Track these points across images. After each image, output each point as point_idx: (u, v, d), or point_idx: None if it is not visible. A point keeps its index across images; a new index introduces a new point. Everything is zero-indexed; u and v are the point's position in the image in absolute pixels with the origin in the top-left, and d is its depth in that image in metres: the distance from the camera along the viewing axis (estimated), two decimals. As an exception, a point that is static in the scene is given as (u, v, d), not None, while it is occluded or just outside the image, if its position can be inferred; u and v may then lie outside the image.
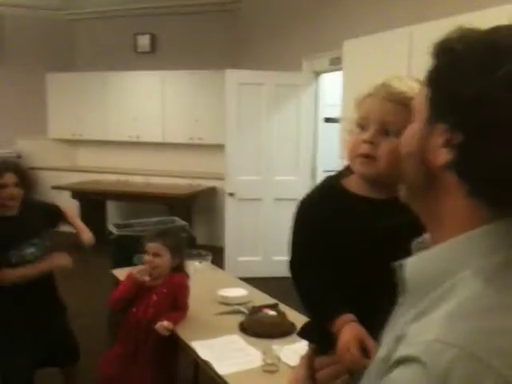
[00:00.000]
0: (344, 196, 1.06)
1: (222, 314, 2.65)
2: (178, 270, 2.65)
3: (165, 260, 2.56)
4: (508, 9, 3.03)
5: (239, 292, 2.82)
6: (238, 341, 2.36)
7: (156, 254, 2.54)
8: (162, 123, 7.27)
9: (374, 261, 0.99)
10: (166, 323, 2.42)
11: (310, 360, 1.09)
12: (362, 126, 1.05)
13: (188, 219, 6.55)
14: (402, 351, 0.66)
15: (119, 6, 7.51)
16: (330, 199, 1.05)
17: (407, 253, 0.97)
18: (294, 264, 1.07)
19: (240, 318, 2.55)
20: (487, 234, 0.74)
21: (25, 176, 2.72)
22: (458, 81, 0.73)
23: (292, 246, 1.09)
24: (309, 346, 1.15)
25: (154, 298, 2.55)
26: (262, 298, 2.86)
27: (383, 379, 0.68)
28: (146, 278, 2.54)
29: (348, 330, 0.94)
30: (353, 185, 1.09)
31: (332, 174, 1.13)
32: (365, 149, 1.02)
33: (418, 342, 0.65)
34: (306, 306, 1.06)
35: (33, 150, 7.81)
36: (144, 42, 7.65)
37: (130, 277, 2.58)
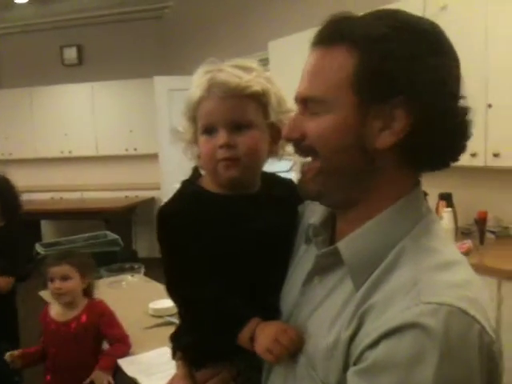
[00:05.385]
0: (211, 198, 0.99)
1: (153, 327, 2.55)
2: (89, 292, 2.40)
3: (75, 283, 2.29)
4: (419, 0, 3.07)
5: (171, 303, 2.71)
6: (168, 353, 2.26)
7: (64, 278, 2.26)
8: (94, 136, 7.08)
9: (262, 260, 0.96)
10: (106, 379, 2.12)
11: (192, 378, 1.03)
12: (208, 131, 0.99)
13: (127, 232, 6.40)
14: (385, 324, 0.68)
15: (43, 19, 7.27)
16: (199, 204, 0.98)
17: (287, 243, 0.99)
18: (180, 281, 0.97)
19: (172, 330, 2.45)
20: (413, 200, 0.81)
21: None
22: (402, 61, 0.73)
23: (171, 261, 0.98)
24: (181, 360, 1.08)
25: (73, 329, 2.29)
26: (195, 307, 2.77)
27: (365, 357, 0.70)
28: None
29: (265, 327, 0.88)
30: (210, 185, 1.03)
31: (186, 178, 1.06)
32: (224, 153, 0.97)
33: (404, 309, 0.68)
34: (202, 324, 0.97)
35: (-39, 173, 7.44)
36: (71, 54, 7.45)
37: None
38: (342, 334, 0.75)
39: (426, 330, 0.66)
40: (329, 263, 0.84)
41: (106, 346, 2.35)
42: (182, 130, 1.05)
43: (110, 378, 2.14)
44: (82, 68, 7.46)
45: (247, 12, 5.44)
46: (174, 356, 1.13)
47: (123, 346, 2.30)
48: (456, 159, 0.80)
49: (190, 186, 1.02)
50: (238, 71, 0.98)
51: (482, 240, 3.01)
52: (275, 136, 1.03)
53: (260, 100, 0.99)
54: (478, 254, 2.85)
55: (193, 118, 1.03)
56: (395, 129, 0.75)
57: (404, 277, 0.73)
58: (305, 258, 0.93)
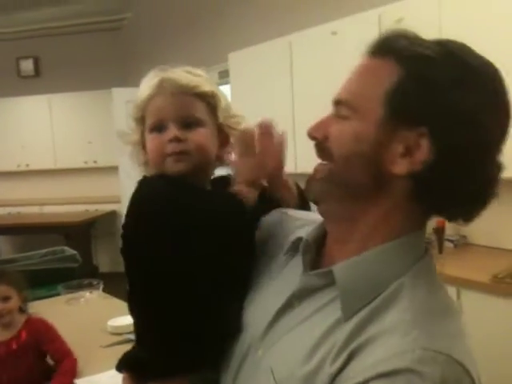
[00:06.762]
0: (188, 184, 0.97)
1: (111, 345, 2.48)
2: (24, 308, 2.32)
3: (14, 302, 2.23)
4: (374, 13, 3.12)
5: (130, 319, 2.65)
6: (127, 373, 2.21)
7: (5, 298, 2.20)
8: (52, 149, 6.94)
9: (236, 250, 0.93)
10: None
11: None
12: (158, 128, 0.98)
13: (87, 246, 6.27)
14: (378, 365, 0.64)
15: (-2, 30, 7.11)
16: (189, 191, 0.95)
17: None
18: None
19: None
20: (418, 238, 0.78)
21: None
22: (444, 92, 0.70)
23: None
24: (127, 374, 1.04)
25: (14, 347, 2.20)
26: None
27: None
28: None
29: None
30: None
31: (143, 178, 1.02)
32: (174, 147, 0.96)
33: (400, 352, 0.65)
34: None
35: None
36: (27, 65, 7.31)
37: None
38: (326, 367, 0.70)
39: (422, 376, 0.62)
40: (317, 285, 0.80)
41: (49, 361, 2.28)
42: (129, 131, 1.05)
43: None
44: (39, 80, 7.32)
45: (207, 23, 5.43)
46: (118, 368, 1.08)
47: (71, 361, 2.24)
48: (471, 212, 0.77)
49: (168, 178, 0.97)
50: (187, 74, 1.01)
51: (440, 249, 3.05)
52: (223, 141, 1.04)
53: (209, 101, 1.00)
54: (437, 263, 2.83)
55: (141, 118, 1.02)
56: (415, 158, 0.72)
57: (401, 317, 0.69)
58: (286, 271, 0.89)
